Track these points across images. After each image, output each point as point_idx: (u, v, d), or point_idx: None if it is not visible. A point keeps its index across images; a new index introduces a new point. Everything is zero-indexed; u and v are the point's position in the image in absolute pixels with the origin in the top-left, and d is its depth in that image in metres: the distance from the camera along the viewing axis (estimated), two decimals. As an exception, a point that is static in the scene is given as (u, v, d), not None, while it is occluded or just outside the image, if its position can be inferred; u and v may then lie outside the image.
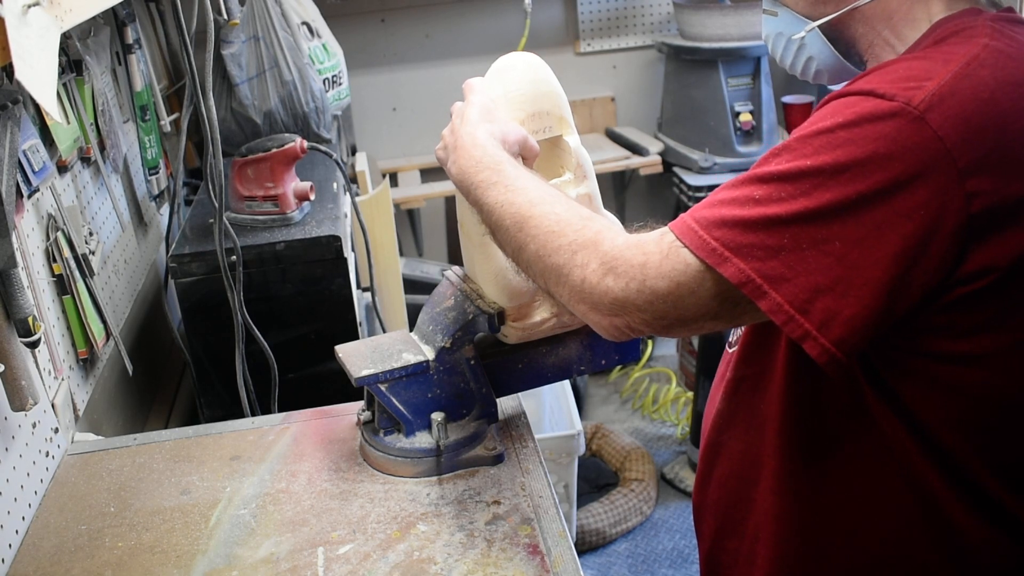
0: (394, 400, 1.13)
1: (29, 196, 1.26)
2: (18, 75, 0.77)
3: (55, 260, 1.34)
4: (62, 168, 1.46)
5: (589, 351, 1.21)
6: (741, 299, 0.85)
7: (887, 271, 0.81)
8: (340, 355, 1.16)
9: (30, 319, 1.10)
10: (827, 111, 0.86)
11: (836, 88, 0.96)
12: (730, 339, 1.18)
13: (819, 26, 1.00)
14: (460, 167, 1.05)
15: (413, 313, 1.71)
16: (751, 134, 2.96)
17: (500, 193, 0.99)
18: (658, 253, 0.88)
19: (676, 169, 3.07)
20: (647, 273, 0.87)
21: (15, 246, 1.09)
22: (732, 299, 0.86)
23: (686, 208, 3.48)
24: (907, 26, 0.95)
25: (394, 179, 3.16)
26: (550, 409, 2.80)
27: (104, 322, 1.47)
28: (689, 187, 2.94)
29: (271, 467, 1.20)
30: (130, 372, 1.54)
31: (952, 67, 0.84)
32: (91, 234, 1.53)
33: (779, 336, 0.98)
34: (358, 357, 1.15)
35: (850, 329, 0.82)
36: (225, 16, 1.96)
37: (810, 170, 0.83)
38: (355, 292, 1.70)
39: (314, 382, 1.60)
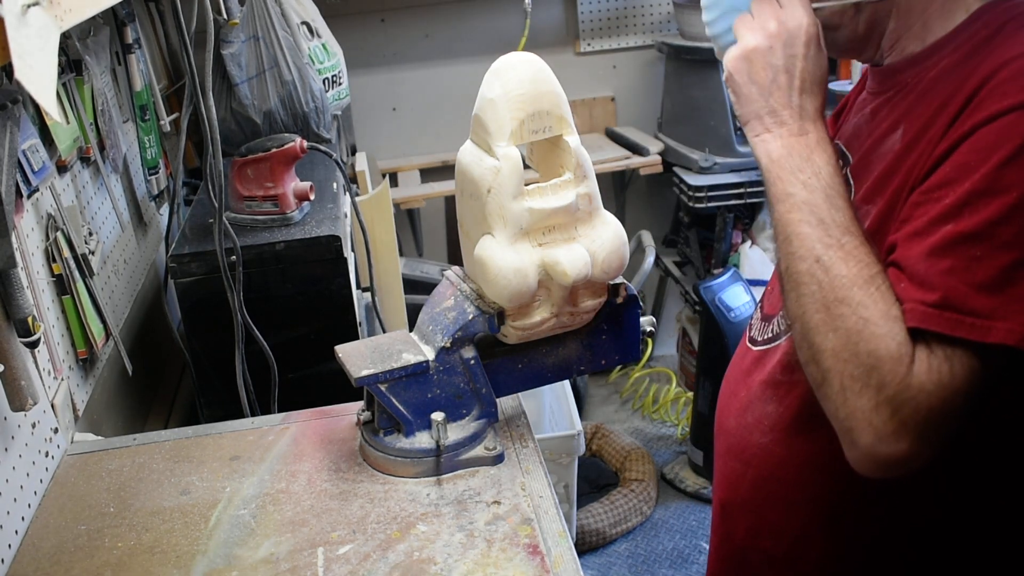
0: (394, 400, 1.13)
1: (29, 196, 1.26)
2: (17, 75, 0.77)
3: (55, 260, 1.34)
4: (62, 168, 1.46)
5: (589, 351, 1.21)
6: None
7: None
8: (340, 355, 1.16)
9: (30, 319, 1.10)
10: (991, 142, 0.84)
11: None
12: (756, 336, 1.16)
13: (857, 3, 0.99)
14: (785, 147, 0.97)
15: (413, 313, 1.71)
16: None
17: (818, 239, 0.90)
18: (942, 378, 0.83)
19: (676, 169, 3.07)
20: (943, 399, 0.83)
21: (15, 246, 1.09)
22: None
23: (687, 208, 3.45)
24: (940, 18, 0.96)
25: (394, 179, 3.16)
26: (550, 409, 2.80)
27: (104, 322, 1.47)
28: (689, 187, 2.94)
29: (271, 467, 1.20)
30: (130, 372, 1.54)
31: None
32: (91, 234, 1.53)
33: None
34: (358, 357, 1.15)
35: None
36: (225, 16, 1.96)
37: (1021, 201, 0.81)
38: (355, 292, 1.70)
39: (314, 382, 1.60)
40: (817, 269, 0.89)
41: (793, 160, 0.95)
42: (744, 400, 1.13)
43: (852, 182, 1.02)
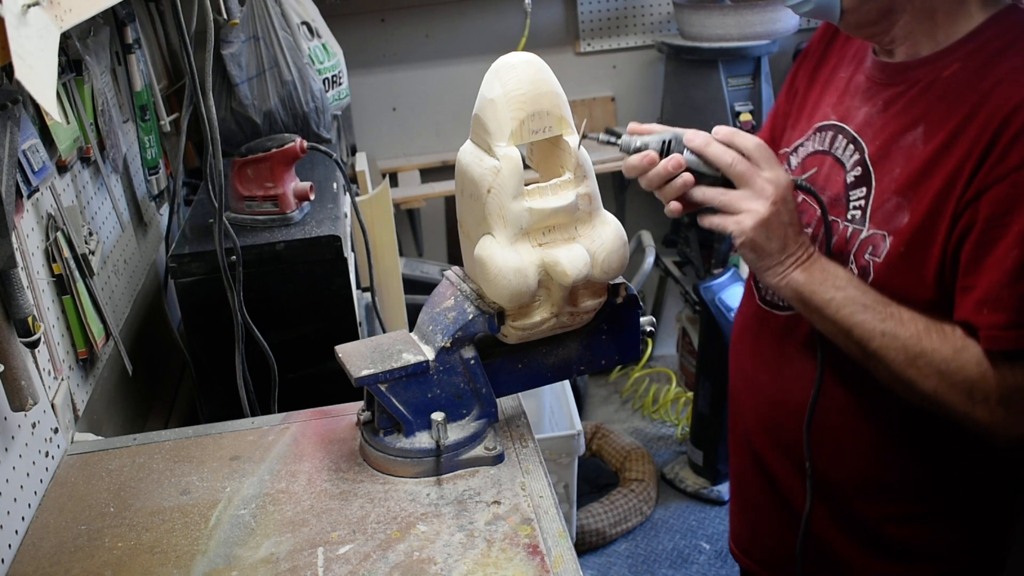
0: (394, 400, 1.13)
1: (29, 196, 1.26)
2: (18, 75, 0.77)
3: (55, 260, 1.34)
4: (62, 168, 1.46)
5: (589, 351, 1.21)
6: None
7: None
8: (340, 355, 1.16)
9: (30, 319, 1.10)
10: None
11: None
12: (776, 300, 1.28)
13: None
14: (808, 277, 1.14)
15: (413, 313, 1.71)
16: (751, 134, 2.96)
17: (873, 320, 1.10)
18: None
19: (676, 169, 3.06)
20: None
21: (15, 246, 1.09)
22: None
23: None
24: (946, 20, 1.07)
25: (394, 179, 3.16)
26: (550, 409, 2.80)
27: (104, 322, 1.47)
28: (689, 187, 2.93)
29: (271, 467, 1.20)
30: (130, 372, 1.54)
31: None
32: (91, 234, 1.53)
33: None
34: (358, 357, 1.15)
35: None
36: (225, 16, 1.96)
37: None
38: (355, 292, 1.70)
39: (314, 382, 1.60)
40: (887, 340, 1.09)
41: (815, 276, 1.14)
42: (774, 358, 1.29)
43: (872, 169, 1.14)
